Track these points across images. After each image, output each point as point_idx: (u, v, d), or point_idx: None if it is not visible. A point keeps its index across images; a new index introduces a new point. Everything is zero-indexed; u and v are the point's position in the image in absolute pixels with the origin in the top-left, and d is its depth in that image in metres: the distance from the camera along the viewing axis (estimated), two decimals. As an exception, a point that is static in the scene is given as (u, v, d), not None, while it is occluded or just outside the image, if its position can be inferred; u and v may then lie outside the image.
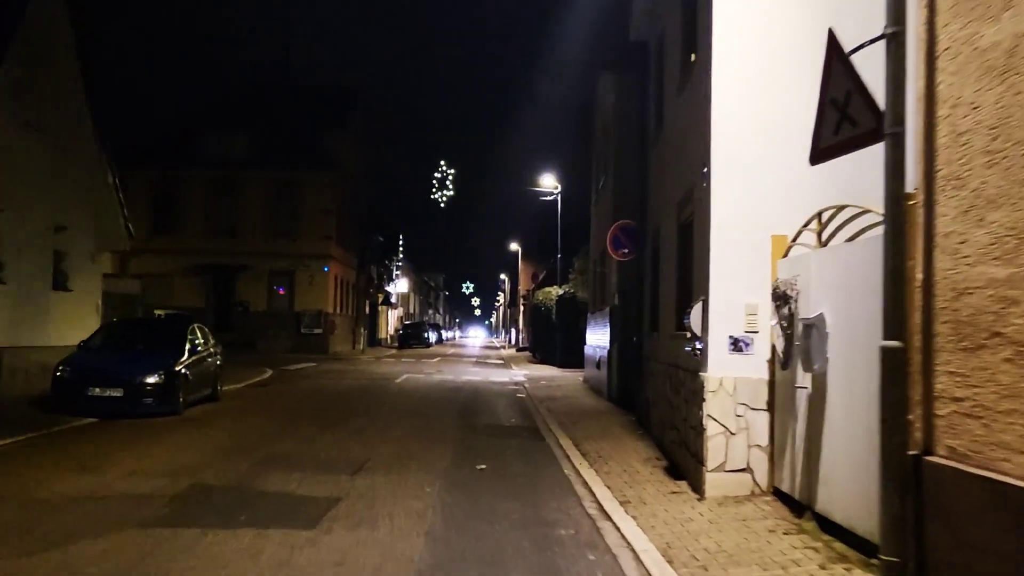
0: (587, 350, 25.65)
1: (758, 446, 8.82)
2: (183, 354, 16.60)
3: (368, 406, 18.79)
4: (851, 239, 7.58)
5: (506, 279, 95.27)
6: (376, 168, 62.77)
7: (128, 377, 15.39)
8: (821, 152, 6.52)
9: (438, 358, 45.52)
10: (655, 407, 13.56)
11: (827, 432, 7.23)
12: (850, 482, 6.76)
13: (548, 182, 38.44)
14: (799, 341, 7.62)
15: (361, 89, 66.34)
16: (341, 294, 49.17)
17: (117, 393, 15.24)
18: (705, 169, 9.27)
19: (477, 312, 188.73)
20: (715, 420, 8.87)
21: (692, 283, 10.45)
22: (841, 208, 7.82)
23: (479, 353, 55.68)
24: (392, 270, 74.71)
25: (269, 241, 44.85)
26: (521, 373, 31.40)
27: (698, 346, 9.38)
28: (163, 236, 43.79)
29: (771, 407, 8.77)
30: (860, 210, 7.41)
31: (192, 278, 44.13)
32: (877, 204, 6.17)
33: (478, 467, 11.08)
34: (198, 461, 10.72)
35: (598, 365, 22.26)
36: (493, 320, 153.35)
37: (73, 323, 20.29)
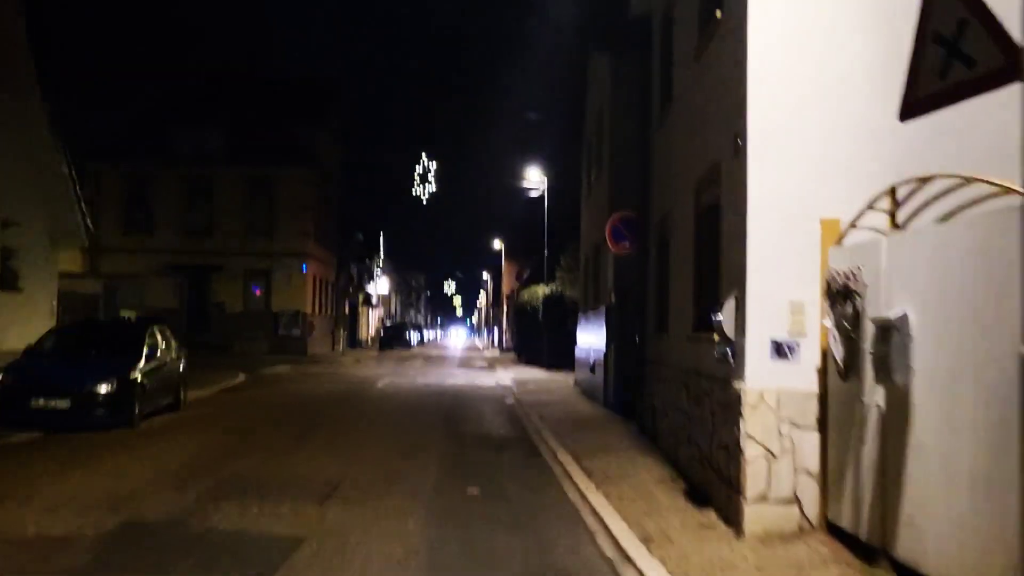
0: (579, 352, 24.21)
1: (807, 472, 7.37)
2: (140, 359, 15.03)
3: (345, 414, 17.27)
4: (944, 219, 6.13)
5: (488, 278, 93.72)
6: (355, 164, 61.16)
7: (76, 386, 13.79)
8: (920, 102, 5.06)
9: (420, 360, 44.00)
10: (664, 417, 12.11)
11: (913, 461, 5.76)
12: (952, 528, 5.30)
13: (534, 176, 36.89)
14: (871, 347, 6.16)
15: (339, 82, 64.98)
16: (320, 294, 47.53)
17: (64, 404, 13.64)
18: (740, 141, 7.80)
19: (459, 312, 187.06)
20: (755, 441, 7.41)
21: (714, 276, 8.99)
22: (925, 180, 6.35)
23: (462, 355, 54.22)
24: (373, 269, 73.11)
25: (245, 240, 43.17)
26: (507, 376, 29.96)
27: (729, 351, 7.91)
28: (135, 235, 42.10)
29: (822, 425, 7.32)
30: (958, 181, 5.94)
31: (166, 278, 42.36)
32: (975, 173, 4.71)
33: (469, 491, 9.59)
34: (141, 487, 9.16)
35: (592, 368, 20.80)
36: (475, 320, 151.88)
37: (23, 326, 18.61)
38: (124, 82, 55.18)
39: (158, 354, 16.03)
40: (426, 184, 38.59)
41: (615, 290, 18.30)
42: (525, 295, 38.46)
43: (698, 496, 8.94)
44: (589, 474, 10.64)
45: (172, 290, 42.76)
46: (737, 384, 7.67)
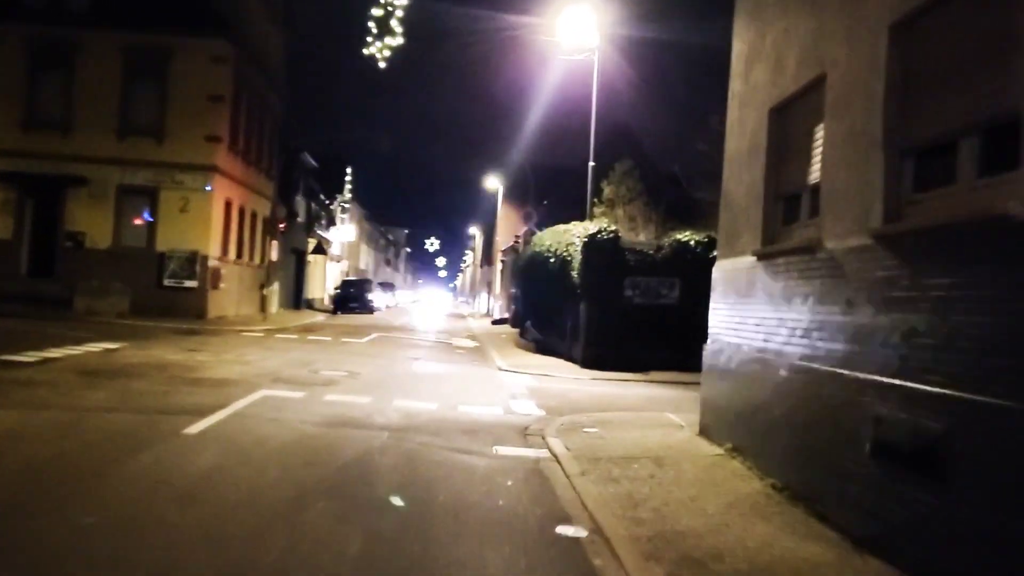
0: (721, 352, 10.11)
1: None
2: None
3: None
4: None
5: (478, 233, 79.19)
6: (304, 51, 46.05)
7: None
8: None
9: (376, 334, 29.63)
10: None
11: None
12: None
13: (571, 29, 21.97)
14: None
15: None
16: (239, 233, 33.04)
17: None
18: None
19: (442, 273, 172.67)
20: None
21: None
22: None
23: (440, 327, 39.75)
24: (335, 212, 58.46)
25: (121, 142, 28.64)
26: (520, 383, 15.84)
27: None
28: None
29: None
30: None
31: (-3, 192, 28.06)
32: None
33: None
34: None
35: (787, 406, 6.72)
36: (459, 283, 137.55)
37: None
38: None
39: None
40: (388, 36, 24.18)
41: None
42: (542, 243, 24.18)
43: None
44: None
45: (3, 210, 28.28)
46: None
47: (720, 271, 10.18)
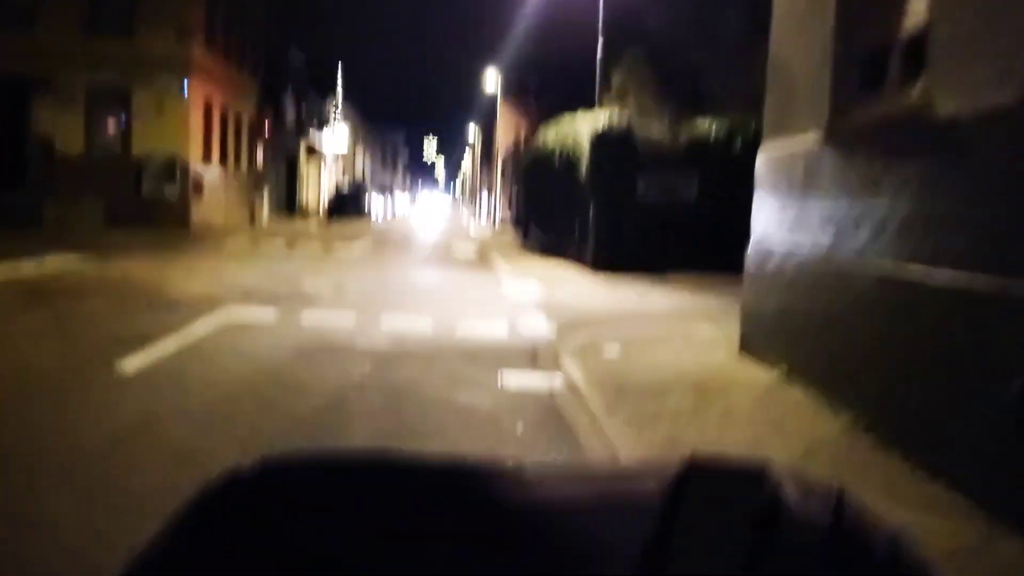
0: (770, 255, 8.46)
1: None
2: None
3: None
4: None
5: (476, 131, 76.60)
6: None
7: None
8: None
9: (370, 240, 27.92)
10: None
11: None
12: None
13: None
14: None
15: None
16: (221, 135, 31.02)
17: None
18: None
19: (441, 175, 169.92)
20: None
21: None
22: None
23: (439, 232, 37.97)
24: (328, 113, 56.09)
25: (88, 39, 26.40)
26: (526, 291, 14.24)
27: None
28: None
29: None
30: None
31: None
32: None
33: None
34: None
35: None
36: (459, 185, 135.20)
37: None
38: None
39: None
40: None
41: None
42: (548, 138, 22.26)
43: None
44: None
45: (-36, 117, 26.32)
46: None
47: (767, 159, 8.40)
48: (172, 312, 9.99)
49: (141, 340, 8.14)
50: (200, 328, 9.07)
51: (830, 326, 6.54)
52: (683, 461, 0.63)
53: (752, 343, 8.38)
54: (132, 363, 7.28)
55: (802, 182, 7.35)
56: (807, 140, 7.23)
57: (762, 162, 8.54)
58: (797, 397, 6.82)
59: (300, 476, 0.64)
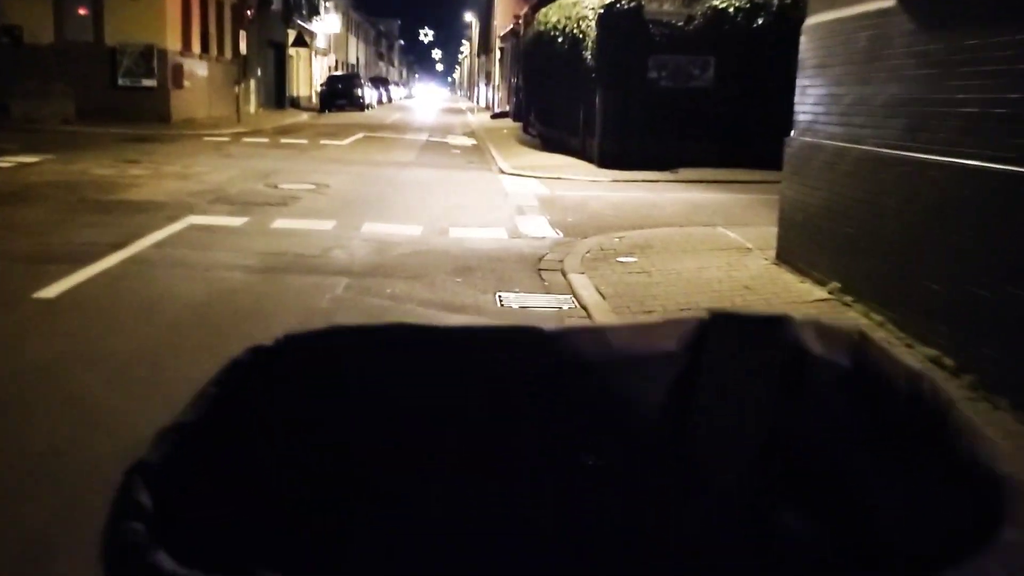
0: (819, 149, 7.23)
1: None
2: None
3: None
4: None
5: (474, 20, 73.62)
6: None
7: None
8: None
9: (361, 134, 26.37)
10: None
11: None
12: None
13: None
14: None
15: None
16: (201, 21, 29.10)
17: None
18: None
19: (439, 67, 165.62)
20: None
21: None
22: None
23: (435, 124, 36.27)
24: (317, 1, 53.50)
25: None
26: (527, 190, 13.05)
27: None
28: None
29: None
30: None
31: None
32: None
33: None
34: None
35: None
36: (457, 76, 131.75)
37: None
38: None
39: None
40: None
41: None
42: (547, 20, 20.57)
43: None
44: None
45: (-78, 4, 24.47)
46: None
47: (815, 33, 7.03)
48: (126, 219, 8.76)
49: (79, 255, 6.95)
50: (152, 239, 7.86)
51: (904, 240, 5.33)
52: (703, 315, 0.65)
53: (791, 252, 7.19)
54: (60, 284, 6.10)
55: (863, 58, 6.03)
56: (872, 7, 5.88)
57: (807, 40, 7.18)
58: (865, 327, 5.66)
59: (321, 347, 0.64)
